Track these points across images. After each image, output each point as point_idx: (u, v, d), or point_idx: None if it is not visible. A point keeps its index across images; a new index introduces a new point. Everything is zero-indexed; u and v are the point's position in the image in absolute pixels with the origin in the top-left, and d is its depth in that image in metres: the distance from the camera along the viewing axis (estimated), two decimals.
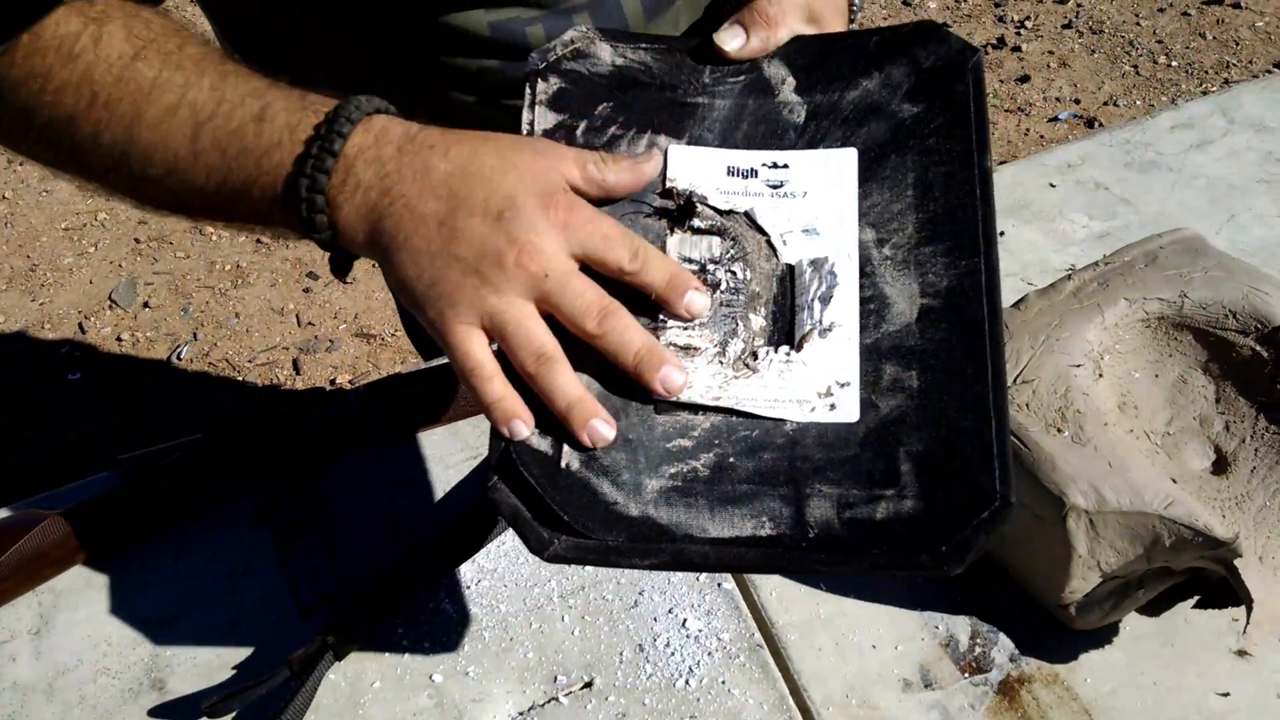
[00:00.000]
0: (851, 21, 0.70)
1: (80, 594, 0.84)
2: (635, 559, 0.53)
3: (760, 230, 0.60)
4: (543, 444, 0.55)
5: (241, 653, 0.79)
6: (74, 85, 0.56)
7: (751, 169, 0.61)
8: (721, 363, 0.57)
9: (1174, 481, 0.70)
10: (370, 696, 0.76)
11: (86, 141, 0.57)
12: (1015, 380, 0.71)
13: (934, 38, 0.62)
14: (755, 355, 0.57)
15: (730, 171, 0.61)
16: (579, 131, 0.63)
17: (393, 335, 2.21)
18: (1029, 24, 3.00)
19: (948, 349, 0.55)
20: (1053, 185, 1.09)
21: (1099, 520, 0.66)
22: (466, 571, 0.81)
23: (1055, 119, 2.69)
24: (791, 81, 0.63)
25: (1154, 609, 0.75)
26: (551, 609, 0.79)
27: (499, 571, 0.81)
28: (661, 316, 0.58)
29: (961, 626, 0.76)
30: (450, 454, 0.90)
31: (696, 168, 0.61)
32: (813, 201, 0.60)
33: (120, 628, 0.81)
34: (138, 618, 0.82)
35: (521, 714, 0.74)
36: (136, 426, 2.08)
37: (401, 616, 0.80)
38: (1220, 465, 0.73)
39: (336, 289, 2.31)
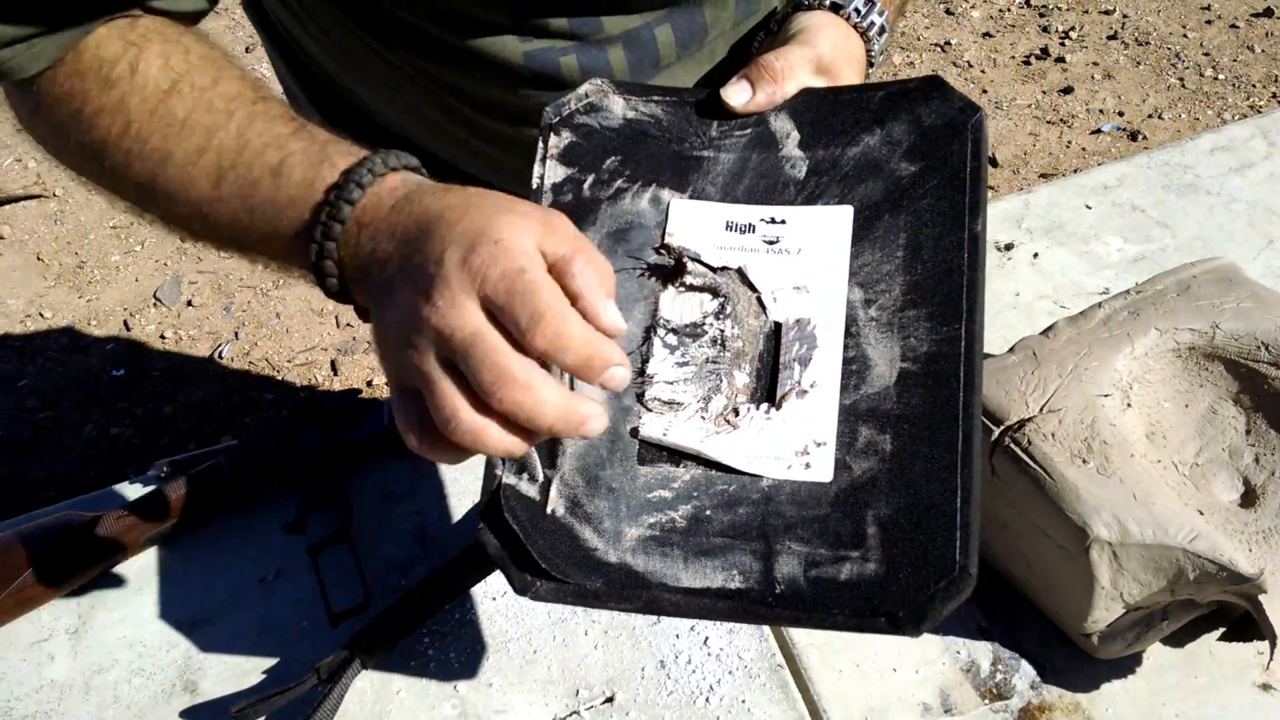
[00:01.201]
0: (871, 67, 0.69)
1: (118, 595, 0.86)
2: (610, 603, 0.55)
3: (751, 287, 0.61)
4: (530, 490, 0.57)
5: (272, 658, 0.81)
6: (109, 111, 0.57)
7: (750, 224, 0.62)
8: (704, 418, 0.58)
9: (1201, 513, 0.70)
10: (395, 705, 0.77)
11: (118, 168, 0.59)
12: (1042, 409, 0.71)
13: (939, 94, 0.62)
14: (737, 411, 0.58)
15: (729, 226, 0.62)
16: (586, 185, 0.64)
17: None
18: (1073, 34, 2.97)
19: (922, 415, 0.55)
20: (1089, 206, 1.08)
21: (1122, 552, 0.65)
22: (492, 583, 0.83)
23: (1098, 131, 2.66)
24: (796, 136, 0.64)
25: (1178, 640, 0.75)
26: (575, 623, 0.80)
27: None
28: (648, 372, 0.59)
29: (983, 652, 0.76)
30: (480, 467, 0.91)
31: (696, 222, 0.62)
32: (806, 258, 0.61)
33: (155, 629, 0.83)
34: (172, 620, 0.84)
35: None
36: (178, 424, 2.12)
37: (427, 628, 0.81)
38: (1249, 498, 0.72)
39: None
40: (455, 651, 0.80)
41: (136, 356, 2.27)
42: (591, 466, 0.58)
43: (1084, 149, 2.62)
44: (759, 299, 0.60)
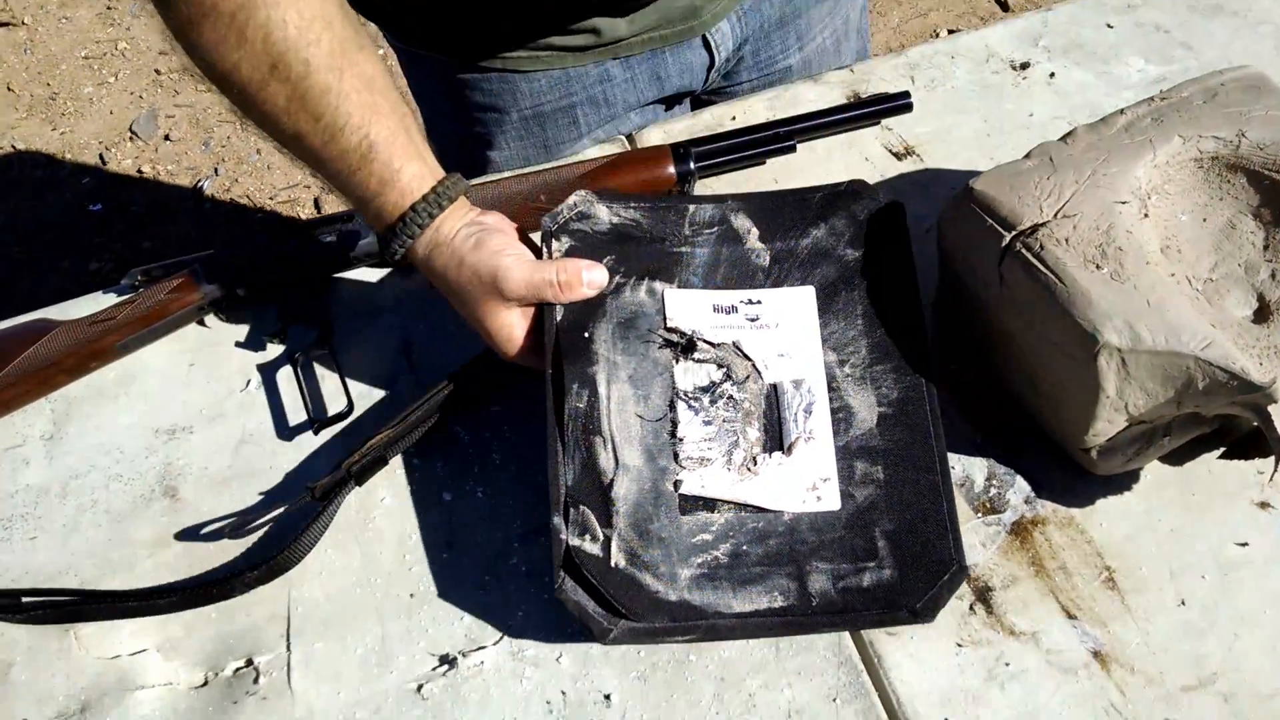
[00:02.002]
0: None
1: (92, 403, 0.84)
2: (678, 636, 0.65)
3: (746, 357, 0.72)
4: (594, 548, 0.66)
5: (254, 465, 0.79)
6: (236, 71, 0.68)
7: (733, 305, 0.74)
8: (729, 469, 0.69)
9: (1213, 327, 0.67)
10: (380, 511, 0.76)
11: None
12: (1056, 214, 0.68)
13: (866, 194, 0.77)
14: (755, 460, 0.70)
15: (715, 309, 0.74)
16: None
17: None
18: None
19: (904, 447, 0.69)
20: (1110, 25, 1.03)
21: (1131, 359, 0.63)
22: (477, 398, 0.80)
23: None
24: (755, 231, 0.76)
25: (1177, 458, 0.74)
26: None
27: (510, 399, 0.81)
28: (679, 434, 0.70)
29: (978, 468, 0.75)
30: None
31: (689, 308, 0.74)
32: (784, 331, 0.73)
33: (132, 437, 0.81)
34: (150, 428, 0.82)
35: (529, 533, 0.74)
36: (158, 259, 2.07)
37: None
38: (1262, 314, 0.69)
39: None
40: (442, 462, 0.78)
41: (114, 191, 2.21)
42: (642, 522, 0.67)
43: None
44: (754, 365, 0.72)
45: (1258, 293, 0.70)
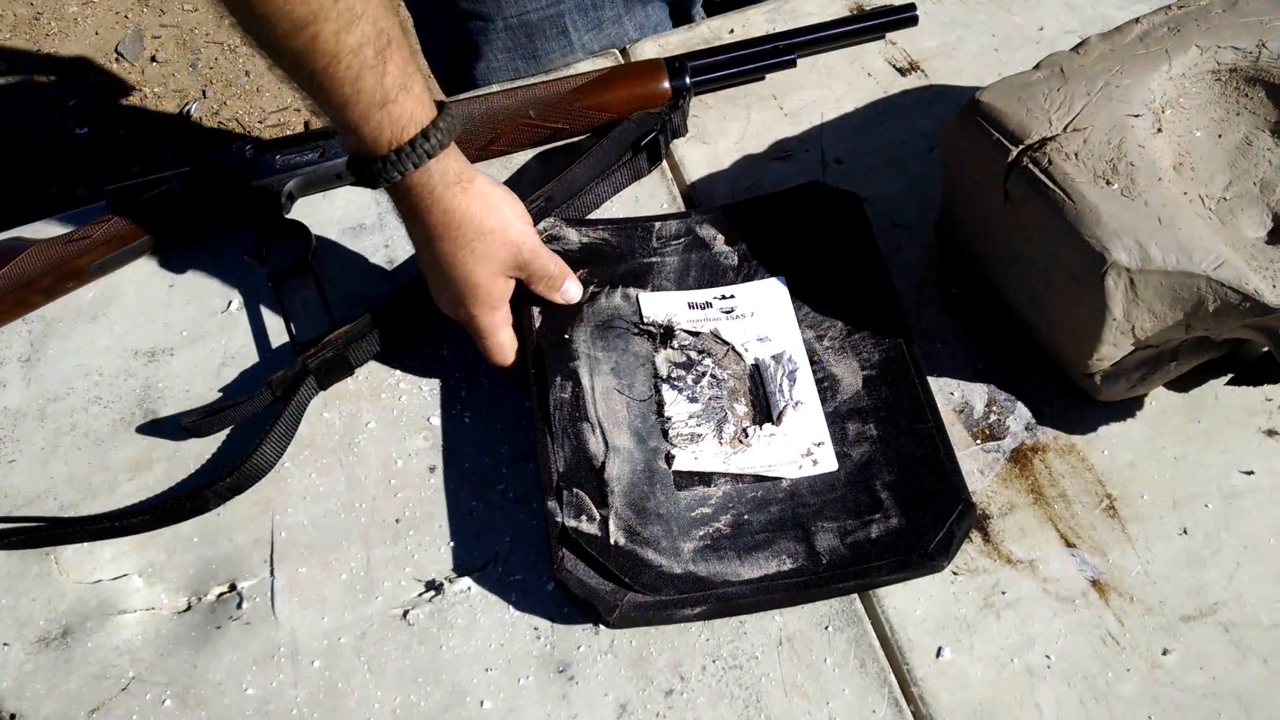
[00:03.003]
0: None
1: (71, 324, 0.81)
2: (688, 609, 0.63)
3: (725, 342, 0.74)
4: (591, 528, 0.64)
5: (236, 388, 0.77)
6: None
7: (707, 302, 0.76)
8: (721, 443, 0.69)
9: (1226, 247, 0.65)
10: (365, 436, 0.74)
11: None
12: (1066, 127, 0.65)
13: (823, 193, 0.79)
14: (746, 433, 0.70)
15: (690, 306, 0.75)
16: None
17: None
18: None
19: (893, 403, 0.69)
20: None
21: (1140, 280, 0.61)
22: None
23: None
24: (721, 237, 0.79)
25: (1183, 385, 0.72)
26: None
27: None
28: (666, 414, 0.70)
29: (978, 394, 0.73)
30: None
31: (664, 308, 0.75)
32: (760, 318, 0.75)
33: (112, 359, 0.79)
34: (130, 350, 0.80)
35: (517, 458, 0.72)
36: None
37: (400, 363, 0.77)
38: (1277, 234, 0.67)
39: None
40: (428, 386, 0.76)
41: (101, 114, 2.16)
42: (638, 500, 0.66)
43: None
44: (733, 349, 0.73)
45: (1273, 213, 0.68)
